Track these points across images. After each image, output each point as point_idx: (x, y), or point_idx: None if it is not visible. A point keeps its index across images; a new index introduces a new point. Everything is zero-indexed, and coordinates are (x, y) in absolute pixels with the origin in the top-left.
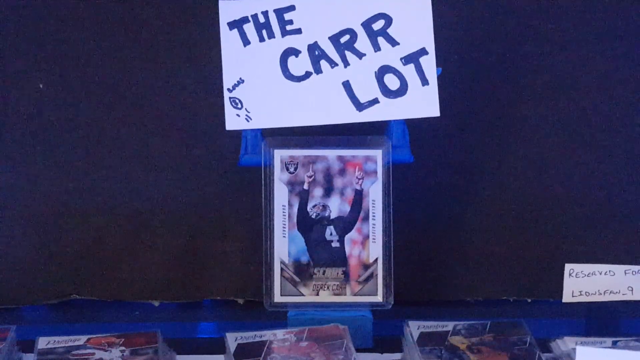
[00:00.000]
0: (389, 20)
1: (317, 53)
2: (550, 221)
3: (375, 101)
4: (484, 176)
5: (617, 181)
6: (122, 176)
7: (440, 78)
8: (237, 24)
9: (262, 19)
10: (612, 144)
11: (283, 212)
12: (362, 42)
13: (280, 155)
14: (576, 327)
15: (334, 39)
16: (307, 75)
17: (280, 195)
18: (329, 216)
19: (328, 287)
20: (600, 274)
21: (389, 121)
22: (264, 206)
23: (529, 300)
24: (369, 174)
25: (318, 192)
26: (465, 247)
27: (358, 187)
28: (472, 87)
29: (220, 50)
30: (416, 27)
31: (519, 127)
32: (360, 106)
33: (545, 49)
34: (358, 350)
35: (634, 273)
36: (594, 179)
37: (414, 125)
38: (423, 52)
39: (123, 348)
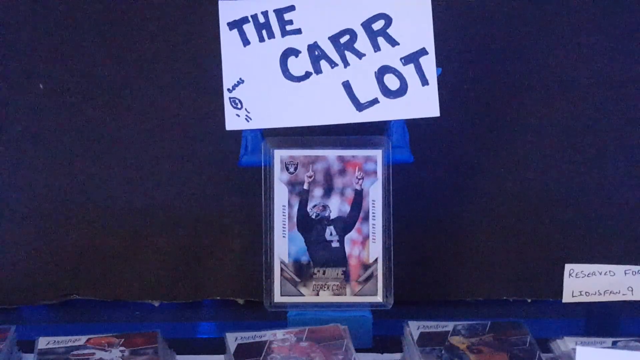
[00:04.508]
0: (389, 20)
1: (317, 53)
2: (550, 221)
3: (375, 101)
4: (484, 176)
5: (617, 181)
6: (122, 176)
7: (440, 78)
8: (237, 24)
9: (262, 19)
10: (611, 144)
11: (283, 212)
12: (362, 42)
13: (280, 155)
14: (576, 327)
15: (334, 39)
16: (307, 75)
17: (280, 195)
18: (329, 216)
19: (328, 287)
20: (600, 274)
21: (389, 121)
22: (264, 206)
23: (529, 300)
24: (369, 174)
25: (318, 192)
26: (465, 247)
27: (358, 187)
28: (472, 87)
29: (220, 50)
30: (416, 27)
31: (518, 127)
32: (360, 106)
33: (546, 49)
34: (358, 350)
35: (634, 273)
36: (593, 179)
37: (414, 125)
38: (423, 52)
39: (123, 348)
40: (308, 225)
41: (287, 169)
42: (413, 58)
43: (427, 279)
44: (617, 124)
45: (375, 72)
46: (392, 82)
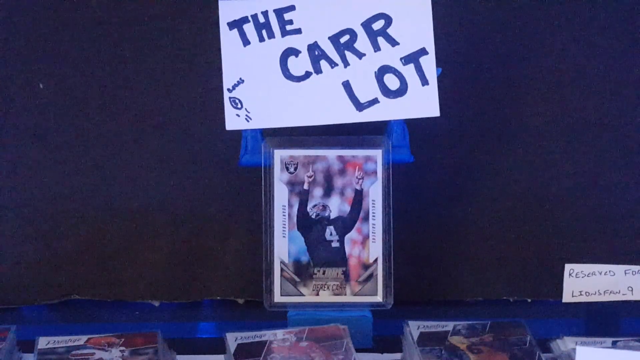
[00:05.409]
0: (389, 20)
1: (317, 53)
2: (550, 221)
3: (375, 101)
4: (484, 176)
5: (617, 181)
6: (122, 176)
7: (440, 78)
8: (237, 24)
9: (262, 19)
10: (612, 144)
11: (283, 212)
12: (362, 42)
13: (280, 155)
14: (576, 327)
15: (334, 39)
16: (307, 75)
17: (280, 195)
18: (329, 216)
19: (328, 287)
20: (600, 274)
21: (389, 121)
22: (264, 206)
23: (529, 300)
24: (369, 174)
25: (318, 192)
26: (465, 247)
27: (358, 187)
28: (472, 87)
29: (220, 50)
30: (416, 27)
31: (518, 128)
32: (360, 106)
33: (545, 49)
34: (358, 350)
35: (634, 273)
36: (594, 179)
37: (414, 125)
38: (423, 52)
39: (123, 348)
40: (308, 225)
41: (287, 169)
42: (413, 58)
43: (427, 279)
44: (617, 124)
45: (375, 72)
46: (392, 82)
